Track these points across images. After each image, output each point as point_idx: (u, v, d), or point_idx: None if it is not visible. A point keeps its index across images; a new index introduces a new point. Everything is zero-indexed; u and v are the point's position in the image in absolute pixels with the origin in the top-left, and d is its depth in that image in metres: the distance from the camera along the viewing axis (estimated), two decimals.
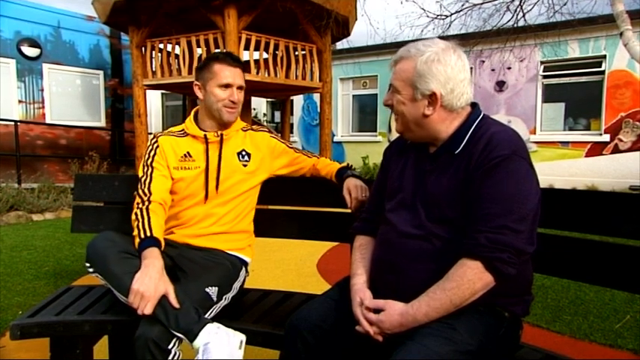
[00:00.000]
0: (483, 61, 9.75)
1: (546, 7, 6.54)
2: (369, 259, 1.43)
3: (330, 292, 1.47)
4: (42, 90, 10.17)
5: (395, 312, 1.21)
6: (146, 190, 1.71)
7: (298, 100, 12.84)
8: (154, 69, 7.43)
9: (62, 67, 10.47)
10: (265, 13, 6.93)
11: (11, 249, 4.58)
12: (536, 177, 1.24)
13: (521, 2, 6.59)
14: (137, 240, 1.59)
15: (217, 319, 1.55)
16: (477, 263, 1.16)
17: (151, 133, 8.14)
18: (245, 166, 1.85)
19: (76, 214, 2.11)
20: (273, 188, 1.96)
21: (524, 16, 6.73)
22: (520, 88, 9.80)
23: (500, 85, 9.99)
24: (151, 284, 1.44)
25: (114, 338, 1.97)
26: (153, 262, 1.51)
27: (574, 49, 9.19)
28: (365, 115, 12.33)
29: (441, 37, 1.36)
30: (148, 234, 1.59)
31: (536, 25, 7.01)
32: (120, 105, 11.56)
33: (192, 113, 1.89)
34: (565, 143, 9.37)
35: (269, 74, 7.30)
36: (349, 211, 1.82)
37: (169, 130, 1.90)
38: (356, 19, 7.97)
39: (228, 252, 1.81)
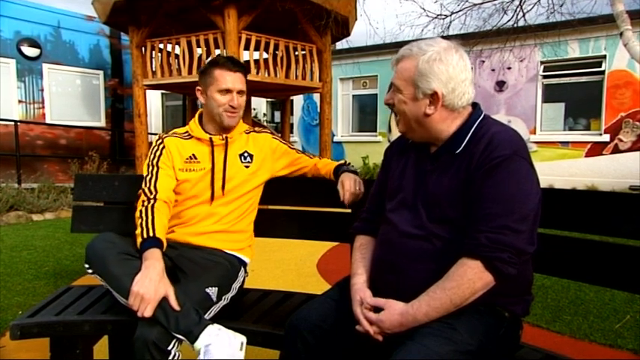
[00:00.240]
0: (483, 61, 9.75)
1: (544, 7, 6.55)
2: (369, 259, 1.43)
3: (330, 292, 1.47)
4: (42, 90, 10.17)
5: (395, 312, 1.21)
6: (152, 188, 1.72)
7: (298, 100, 12.84)
8: (153, 69, 7.43)
9: (62, 67, 10.47)
10: (265, 13, 6.94)
11: (11, 249, 4.58)
12: (537, 177, 1.24)
13: (521, 2, 6.59)
14: (139, 239, 1.59)
15: (217, 319, 1.55)
16: (477, 263, 1.16)
17: (151, 133, 8.16)
18: (247, 167, 1.86)
19: (76, 214, 2.11)
20: (274, 188, 1.96)
21: (524, 16, 6.73)
22: (520, 88, 9.81)
23: (500, 85, 10.00)
24: (151, 286, 1.43)
25: (114, 338, 1.97)
26: (153, 263, 1.50)
27: (574, 49, 9.20)
28: (365, 115, 12.34)
29: (442, 37, 1.36)
30: (151, 234, 1.59)
31: (536, 25, 7.01)
32: (120, 105, 11.56)
33: (197, 115, 1.91)
34: (565, 143, 9.37)
35: (269, 74, 7.30)
36: (349, 211, 1.82)
37: (174, 131, 1.91)
38: (356, 19, 7.97)
39: (228, 252, 1.81)
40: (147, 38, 7.34)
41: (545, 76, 9.60)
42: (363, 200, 1.67)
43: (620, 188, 8.32)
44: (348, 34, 8.22)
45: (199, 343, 1.41)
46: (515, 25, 6.90)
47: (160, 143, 1.83)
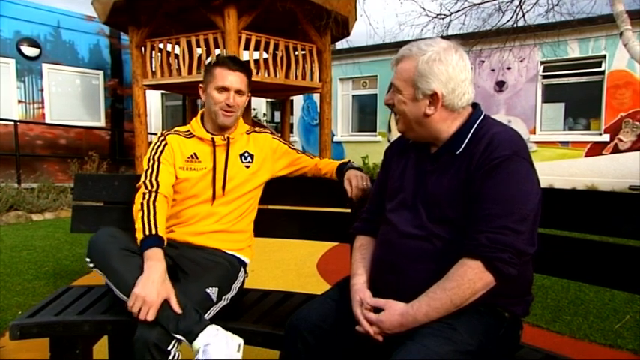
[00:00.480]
0: (483, 61, 9.75)
1: (542, 7, 6.55)
2: (369, 259, 1.43)
3: (330, 292, 1.47)
4: (42, 90, 10.17)
5: (395, 312, 1.21)
6: (153, 182, 1.71)
7: (298, 100, 12.84)
8: (153, 69, 7.43)
9: (62, 67, 10.47)
10: (265, 13, 6.93)
11: (11, 249, 4.58)
12: (537, 178, 1.24)
13: (520, 2, 6.59)
14: (140, 234, 1.57)
15: (217, 319, 1.55)
16: (477, 263, 1.16)
17: (150, 133, 8.15)
18: (247, 167, 1.86)
19: (75, 214, 2.11)
20: (274, 188, 1.96)
21: (523, 16, 6.73)
22: (520, 88, 9.81)
23: (500, 85, 10.00)
24: (153, 289, 1.43)
25: (114, 338, 1.97)
26: (156, 264, 1.49)
27: (574, 49, 9.20)
28: (365, 115, 12.33)
29: (442, 37, 1.36)
30: (153, 231, 1.57)
31: (535, 25, 7.01)
32: (120, 105, 11.56)
33: (199, 115, 1.91)
34: (565, 143, 9.37)
35: (269, 74, 7.30)
36: (349, 211, 1.82)
37: (176, 129, 1.91)
38: (356, 19, 7.97)
39: (227, 251, 1.81)
40: (147, 38, 7.34)
41: (544, 76, 9.60)
42: (367, 198, 1.67)
43: (619, 188, 8.32)
44: (348, 34, 8.22)
45: (198, 343, 1.41)
46: (515, 25, 6.90)
47: (163, 140, 1.83)
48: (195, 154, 1.82)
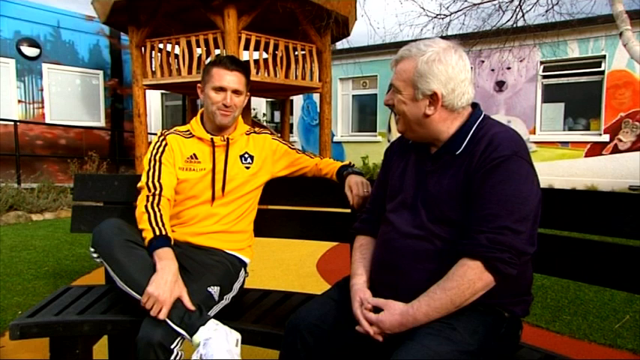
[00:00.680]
0: (483, 61, 9.75)
1: (543, 6, 6.55)
2: (369, 259, 1.43)
3: (330, 292, 1.47)
4: (41, 90, 10.16)
5: (395, 312, 1.21)
6: (156, 183, 1.71)
7: (298, 100, 12.84)
8: (153, 69, 7.43)
9: (62, 67, 10.47)
10: (265, 13, 6.93)
11: (11, 249, 4.58)
12: (537, 178, 1.25)
13: (520, 2, 6.59)
14: (150, 235, 1.58)
15: (217, 318, 1.55)
16: (477, 263, 1.16)
17: (150, 133, 8.15)
18: (247, 168, 1.86)
19: (75, 214, 2.11)
20: (274, 188, 1.96)
21: (523, 16, 6.73)
22: (519, 88, 9.81)
23: (500, 85, 10.00)
24: (167, 288, 1.44)
25: (113, 338, 1.97)
26: (168, 264, 1.51)
27: (573, 49, 9.20)
28: (365, 115, 12.34)
29: (442, 37, 1.36)
30: (163, 232, 1.59)
31: (535, 25, 7.01)
32: (119, 105, 11.56)
33: (199, 114, 1.90)
34: (565, 143, 9.38)
35: (269, 74, 7.30)
36: (349, 211, 1.82)
37: (176, 128, 1.91)
38: (356, 19, 7.97)
39: (228, 252, 1.81)
40: (147, 38, 7.34)
41: (544, 76, 9.61)
42: (366, 198, 1.67)
43: (619, 188, 8.32)
44: (348, 34, 8.23)
45: (199, 336, 1.42)
46: (515, 25, 6.90)
47: (163, 140, 1.83)
48: (194, 154, 1.82)
